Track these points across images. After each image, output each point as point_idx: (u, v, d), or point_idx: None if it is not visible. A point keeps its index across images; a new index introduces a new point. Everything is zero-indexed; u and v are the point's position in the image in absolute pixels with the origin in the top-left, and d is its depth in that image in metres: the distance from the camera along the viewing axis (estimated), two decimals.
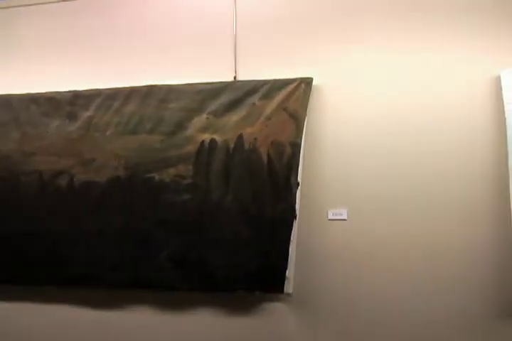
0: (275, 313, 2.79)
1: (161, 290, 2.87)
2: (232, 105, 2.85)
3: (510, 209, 2.61)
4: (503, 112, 2.69)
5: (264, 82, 2.84)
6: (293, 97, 2.79)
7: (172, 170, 2.84)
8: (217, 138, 2.82)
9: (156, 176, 2.85)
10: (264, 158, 2.76)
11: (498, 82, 2.74)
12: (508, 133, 2.68)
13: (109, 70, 3.08)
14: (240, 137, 2.79)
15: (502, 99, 2.71)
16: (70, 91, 3.07)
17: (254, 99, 2.83)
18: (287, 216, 2.73)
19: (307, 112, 2.80)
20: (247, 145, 2.78)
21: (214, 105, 2.86)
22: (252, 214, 2.75)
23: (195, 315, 2.86)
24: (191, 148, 2.84)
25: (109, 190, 2.92)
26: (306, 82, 2.81)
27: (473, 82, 2.77)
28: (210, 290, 2.80)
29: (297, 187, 2.74)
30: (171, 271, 2.82)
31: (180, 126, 2.87)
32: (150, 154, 2.88)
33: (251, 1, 2.99)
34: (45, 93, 3.12)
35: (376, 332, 2.73)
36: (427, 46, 2.83)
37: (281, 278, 2.71)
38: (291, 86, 2.80)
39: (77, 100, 3.03)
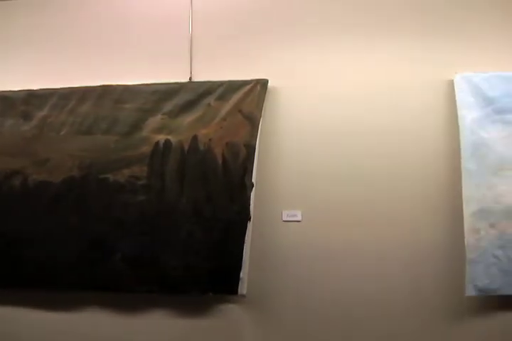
0: (229, 314, 2.79)
1: (116, 292, 2.83)
2: (188, 106, 2.84)
3: (462, 210, 2.68)
4: (457, 116, 2.72)
5: (220, 83, 2.84)
6: (248, 99, 2.79)
7: (127, 171, 2.83)
8: (172, 138, 2.81)
9: (111, 177, 2.83)
10: (219, 159, 2.76)
11: (453, 86, 2.74)
12: (461, 137, 2.69)
13: (64, 70, 3.05)
14: (195, 138, 2.79)
15: (456, 104, 2.72)
16: (24, 91, 3.03)
17: (210, 100, 2.83)
18: (241, 217, 2.73)
19: (262, 113, 2.77)
20: (201, 146, 2.78)
21: (169, 106, 2.86)
22: (206, 216, 2.75)
23: (150, 317, 2.85)
24: (146, 148, 2.83)
25: (64, 191, 2.89)
26: (262, 84, 2.81)
27: (428, 86, 2.82)
28: (165, 292, 2.77)
29: (252, 189, 2.75)
30: (126, 273, 2.80)
31: (135, 126, 2.86)
32: (105, 154, 2.86)
33: (207, 2, 2.98)
34: None
35: (328, 333, 2.73)
36: (382, 49, 2.87)
37: (235, 280, 2.71)
38: (247, 87, 2.81)
39: (31, 99, 2.99)
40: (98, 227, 2.83)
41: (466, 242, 2.64)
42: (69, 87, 2.97)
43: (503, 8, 2.87)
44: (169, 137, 2.81)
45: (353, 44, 2.89)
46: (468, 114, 2.73)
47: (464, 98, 2.73)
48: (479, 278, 2.61)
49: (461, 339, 2.68)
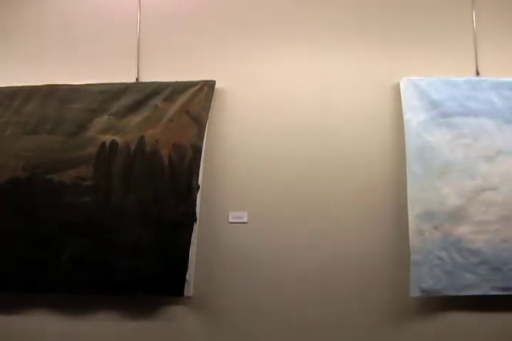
0: (175, 316, 2.78)
1: (63, 294, 2.80)
2: (134, 106, 2.82)
3: (407, 212, 2.71)
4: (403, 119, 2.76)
5: (167, 84, 2.83)
6: (195, 100, 2.78)
7: (72, 172, 2.80)
8: (119, 139, 2.79)
9: (56, 177, 2.80)
10: (166, 161, 2.74)
11: (399, 89, 2.77)
12: (406, 140, 2.71)
13: (9, 69, 3.00)
14: (142, 139, 2.77)
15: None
16: None
17: (157, 100, 2.81)
18: (188, 219, 2.72)
19: (209, 115, 2.76)
20: (148, 147, 2.76)
21: (116, 106, 2.83)
22: (153, 217, 2.73)
23: (97, 319, 2.81)
24: (92, 149, 2.80)
25: (9, 191, 2.84)
26: (209, 85, 2.80)
27: (375, 89, 2.86)
28: (112, 294, 2.75)
29: (198, 190, 2.74)
30: (72, 274, 2.76)
31: (82, 126, 2.83)
32: (50, 155, 2.82)
33: (155, 2, 2.95)
34: None
35: (275, 334, 2.73)
36: (329, 52, 2.88)
37: (181, 281, 2.70)
38: (194, 88, 2.80)
39: None
40: (44, 228, 2.78)
41: (410, 244, 2.66)
42: (14, 87, 2.92)
43: (448, 15, 2.91)
44: (116, 138, 2.78)
45: (301, 47, 2.91)
46: (414, 117, 2.75)
47: (410, 101, 2.76)
48: (423, 279, 2.64)
49: (405, 339, 2.70)
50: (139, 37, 2.92)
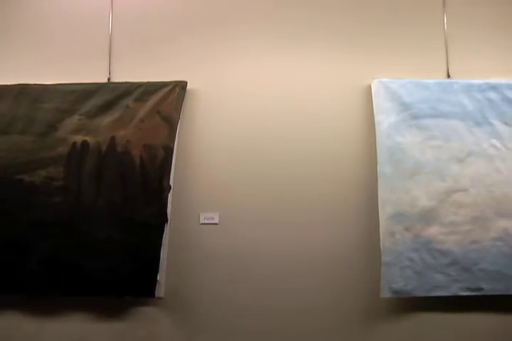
0: (146, 318, 2.77)
1: (33, 295, 2.77)
2: (106, 107, 2.81)
3: (377, 213, 2.73)
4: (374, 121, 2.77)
5: (139, 85, 2.82)
6: (167, 101, 2.78)
7: (43, 172, 2.78)
8: (89, 140, 2.78)
9: (26, 178, 2.78)
10: (137, 161, 2.74)
11: (371, 91, 2.78)
12: (377, 142, 2.72)
13: None
14: (113, 139, 2.76)
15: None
16: None
17: (128, 101, 2.80)
18: (159, 219, 2.71)
19: (181, 116, 2.76)
20: (119, 148, 2.75)
21: (87, 106, 2.82)
22: (124, 218, 2.72)
23: (67, 320, 2.79)
24: (63, 149, 2.78)
25: None
26: (181, 86, 2.80)
27: (347, 90, 2.86)
28: (81, 295, 2.73)
29: (169, 191, 2.73)
30: (41, 275, 2.73)
31: (52, 126, 2.81)
32: (21, 155, 2.80)
33: (127, 2, 2.94)
34: None
35: (246, 334, 2.73)
36: (302, 54, 2.89)
37: (152, 282, 2.69)
38: (165, 89, 2.79)
39: None
40: (14, 229, 2.75)
41: (381, 245, 2.67)
42: None
43: (420, 18, 2.95)
44: (87, 138, 2.77)
45: (273, 48, 2.92)
46: (385, 118, 2.76)
47: (381, 103, 2.77)
48: (394, 280, 2.65)
49: (376, 339, 2.72)
50: (110, 37, 2.91)
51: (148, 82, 2.82)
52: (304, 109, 2.84)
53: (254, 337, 2.74)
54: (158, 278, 2.70)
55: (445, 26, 2.94)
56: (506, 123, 2.80)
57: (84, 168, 2.76)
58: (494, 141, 2.78)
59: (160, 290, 2.71)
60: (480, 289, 2.69)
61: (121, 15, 2.94)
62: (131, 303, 2.76)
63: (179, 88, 2.79)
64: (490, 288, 2.69)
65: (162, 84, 2.80)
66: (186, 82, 2.81)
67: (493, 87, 2.83)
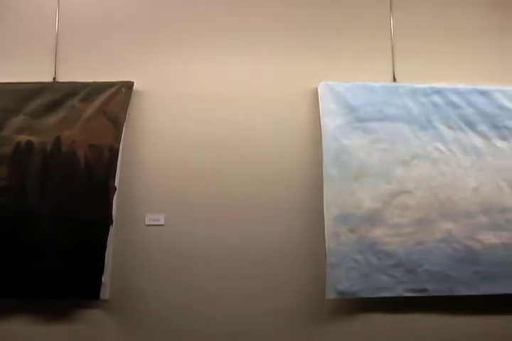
0: (91, 319, 2.74)
1: None
2: (51, 106, 2.78)
3: (323, 213, 2.75)
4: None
5: (85, 85, 2.80)
6: (113, 101, 2.76)
7: None
8: (34, 139, 2.74)
9: None
10: (82, 162, 2.71)
11: (317, 94, 2.80)
12: (323, 144, 2.75)
13: None
14: (58, 139, 2.73)
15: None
16: None
17: (74, 101, 2.78)
18: (104, 221, 2.69)
19: (127, 116, 2.74)
20: (64, 148, 2.72)
21: (32, 106, 2.78)
22: (68, 218, 2.69)
23: (10, 323, 2.74)
24: (7, 149, 2.74)
25: None
26: (127, 86, 2.79)
27: (293, 93, 2.88)
28: (23, 297, 2.68)
29: (114, 192, 2.71)
30: None
31: None
32: None
33: (74, 1, 2.92)
34: None
35: (194, 334, 2.73)
36: (249, 56, 2.92)
37: (97, 284, 2.66)
38: (112, 89, 2.78)
39: None
40: None
41: (326, 246, 2.68)
42: None
43: (367, 22, 3.00)
44: (31, 138, 2.73)
45: (220, 49, 2.93)
46: (331, 121, 2.78)
47: (327, 105, 2.79)
48: (340, 281, 2.66)
49: (321, 340, 2.69)
50: (57, 36, 2.88)
51: (94, 82, 2.80)
52: (250, 110, 2.85)
53: (199, 339, 2.71)
54: (103, 280, 2.67)
55: (391, 31, 2.98)
56: (450, 127, 2.84)
57: (29, 168, 2.72)
58: (438, 145, 2.82)
59: (105, 292, 2.69)
60: (424, 290, 2.72)
61: (67, 14, 2.91)
62: (75, 306, 2.72)
63: (125, 88, 2.78)
64: (434, 288, 2.73)
65: (108, 85, 2.78)
66: (133, 83, 2.80)
67: (438, 91, 2.87)
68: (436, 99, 2.87)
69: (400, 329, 2.77)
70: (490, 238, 2.77)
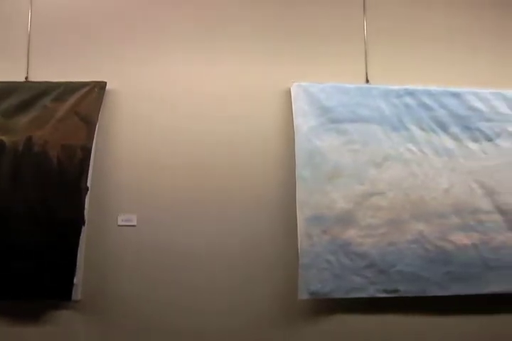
0: (63, 321, 2.72)
1: None
2: (23, 106, 2.76)
3: (296, 213, 2.76)
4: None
5: (57, 84, 2.79)
6: (85, 101, 2.75)
7: None
8: (6, 139, 2.72)
9: None
10: (54, 162, 2.70)
11: (290, 95, 2.80)
12: (296, 145, 2.75)
13: None
14: (30, 139, 2.71)
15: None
16: None
17: (46, 101, 2.77)
18: (76, 221, 2.68)
19: (100, 116, 2.73)
20: (36, 148, 2.71)
21: (4, 105, 2.77)
22: (40, 219, 2.68)
23: None
24: None
25: None
26: (100, 86, 2.78)
27: (267, 94, 2.90)
28: None
29: (87, 192, 2.70)
30: None
31: None
32: None
33: (47, 1, 2.91)
34: None
35: (166, 335, 2.72)
36: (222, 56, 2.91)
37: (68, 285, 2.65)
38: (84, 89, 2.77)
39: None
40: None
41: (299, 247, 2.68)
42: None
43: (340, 24, 3.03)
44: (3, 137, 2.72)
45: (194, 50, 2.93)
46: (304, 122, 2.79)
47: (300, 106, 2.80)
48: (312, 282, 2.67)
49: None
50: (29, 35, 2.86)
51: (66, 82, 2.79)
52: (224, 110, 2.86)
53: (171, 338, 2.71)
54: (75, 281, 2.66)
55: (365, 32, 3.00)
56: (422, 129, 2.86)
57: (0, 168, 2.69)
58: (410, 146, 2.84)
59: (77, 293, 2.68)
60: (396, 291, 2.73)
61: (40, 13, 2.89)
62: (47, 306, 2.71)
63: (98, 88, 2.77)
64: (406, 289, 2.74)
65: (81, 84, 2.77)
66: (105, 83, 2.79)
67: (411, 93, 2.89)
68: (409, 100, 2.88)
69: (372, 330, 2.79)
70: (461, 239, 2.78)
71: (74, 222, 2.68)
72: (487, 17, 3.11)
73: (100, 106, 2.75)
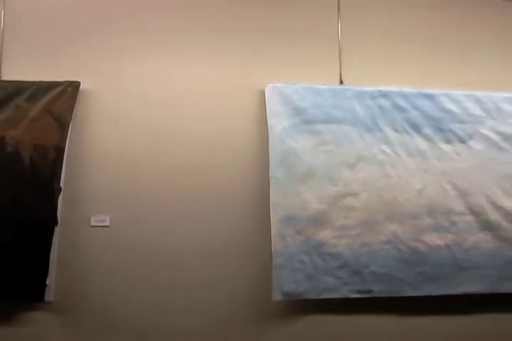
0: (35, 322, 2.70)
1: None
2: None
3: (269, 213, 2.76)
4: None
5: (30, 84, 2.77)
6: (59, 100, 2.74)
7: None
8: None
9: None
10: (27, 162, 2.68)
11: (264, 95, 2.82)
12: (270, 146, 2.75)
13: None
14: (2, 139, 2.70)
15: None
16: None
17: (19, 100, 2.74)
18: (49, 222, 2.66)
19: (74, 116, 2.72)
20: (9, 148, 2.69)
21: None
22: (13, 219, 2.65)
23: None
24: None
25: None
26: (74, 86, 2.77)
27: (241, 94, 2.90)
28: None
29: (60, 193, 2.68)
30: None
31: None
32: None
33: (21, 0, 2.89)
34: None
35: (139, 336, 2.71)
36: (197, 57, 2.92)
37: (41, 286, 2.63)
38: (58, 89, 2.76)
39: None
40: None
41: (272, 248, 2.68)
42: None
43: (315, 25, 3.05)
44: None
45: (168, 50, 2.94)
46: (278, 123, 2.80)
47: (274, 107, 2.81)
48: (286, 282, 2.67)
49: None
50: (2, 33, 2.84)
51: (40, 82, 2.78)
52: (199, 110, 2.86)
53: (144, 338, 2.71)
54: (47, 282, 2.64)
55: (339, 34, 3.01)
56: (396, 130, 2.88)
57: None
58: (384, 147, 2.85)
59: (49, 294, 2.66)
60: (370, 291, 2.74)
61: (13, 12, 2.87)
62: (19, 308, 2.69)
63: (72, 88, 2.76)
64: (379, 290, 2.75)
65: (54, 84, 2.76)
66: (79, 82, 2.79)
67: (385, 95, 2.91)
68: (383, 102, 2.90)
69: (346, 331, 2.79)
70: (434, 239, 2.80)
71: (47, 223, 2.66)
72: (460, 18, 3.13)
73: (74, 106, 2.74)
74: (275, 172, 2.75)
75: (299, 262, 2.71)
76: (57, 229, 2.68)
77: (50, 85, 2.77)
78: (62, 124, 2.72)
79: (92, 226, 2.74)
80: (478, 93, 2.99)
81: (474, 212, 2.84)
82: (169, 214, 2.79)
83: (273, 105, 2.81)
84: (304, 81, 2.89)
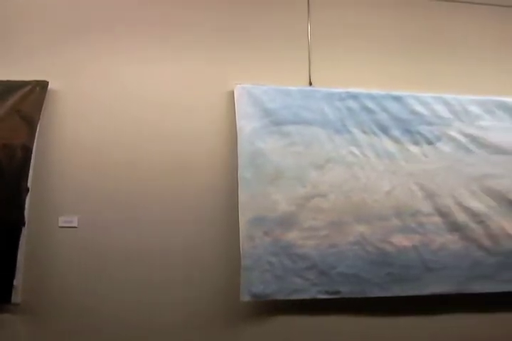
0: (2, 324, 2.67)
1: None
2: None
3: (238, 214, 2.77)
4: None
5: None
6: (27, 100, 2.73)
7: None
8: None
9: None
10: None
11: (233, 96, 2.82)
12: (239, 147, 2.76)
13: None
14: None
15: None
16: None
17: None
18: (16, 222, 2.64)
19: (42, 116, 2.71)
20: None
21: None
22: None
23: None
24: None
25: None
26: (41, 85, 2.76)
27: (210, 95, 2.91)
28: None
29: (27, 193, 2.66)
30: None
31: None
32: None
33: None
34: None
35: (108, 337, 2.69)
36: (167, 57, 2.92)
37: (8, 288, 2.60)
38: (26, 88, 2.75)
39: None
40: None
41: (241, 249, 2.68)
42: None
43: (285, 27, 3.07)
44: None
45: (137, 49, 2.94)
46: (247, 124, 2.80)
47: (243, 108, 2.82)
48: (254, 283, 2.67)
49: None
50: None
51: (7, 81, 2.76)
52: (167, 112, 2.86)
53: (112, 337, 2.71)
54: (14, 283, 2.61)
55: (309, 35, 3.03)
56: (364, 132, 2.90)
57: None
58: (353, 149, 2.87)
59: (16, 296, 2.63)
60: (337, 292, 2.76)
61: None
62: None
63: (40, 88, 2.75)
64: (347, 291, 2.77)
65: (22, 83, 2.75)
66: (47, 82, 2.78)
67: (353, 96, 2.93)
68: (352, 103, 2.92)
69: (314, 331, 2.80)
70: (402, 240, 2.82)
71: (14, 223, 2.64)
72: (428, 19, 3.15)
73: (42, 106, 2.74)
74: (244, 173, 2.76)
75: (267, 263, 2.71)
76: (24, 230, 2.65)
77: (18, 85, 2.75)
78: (30, 124, 2.71)
79: (60, 227, 2.73)
80: (447, 95, 3.02)
81: (442, 213, 2.86)
82: (137, 215, 2.77)
83: (242, 106, 2.81)
84: (273, 82, 2.90)
